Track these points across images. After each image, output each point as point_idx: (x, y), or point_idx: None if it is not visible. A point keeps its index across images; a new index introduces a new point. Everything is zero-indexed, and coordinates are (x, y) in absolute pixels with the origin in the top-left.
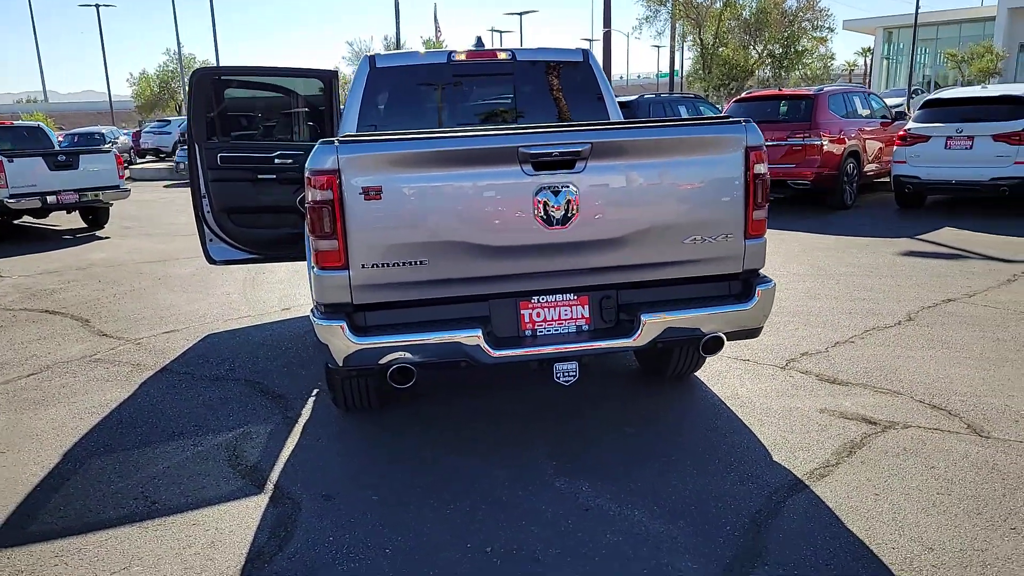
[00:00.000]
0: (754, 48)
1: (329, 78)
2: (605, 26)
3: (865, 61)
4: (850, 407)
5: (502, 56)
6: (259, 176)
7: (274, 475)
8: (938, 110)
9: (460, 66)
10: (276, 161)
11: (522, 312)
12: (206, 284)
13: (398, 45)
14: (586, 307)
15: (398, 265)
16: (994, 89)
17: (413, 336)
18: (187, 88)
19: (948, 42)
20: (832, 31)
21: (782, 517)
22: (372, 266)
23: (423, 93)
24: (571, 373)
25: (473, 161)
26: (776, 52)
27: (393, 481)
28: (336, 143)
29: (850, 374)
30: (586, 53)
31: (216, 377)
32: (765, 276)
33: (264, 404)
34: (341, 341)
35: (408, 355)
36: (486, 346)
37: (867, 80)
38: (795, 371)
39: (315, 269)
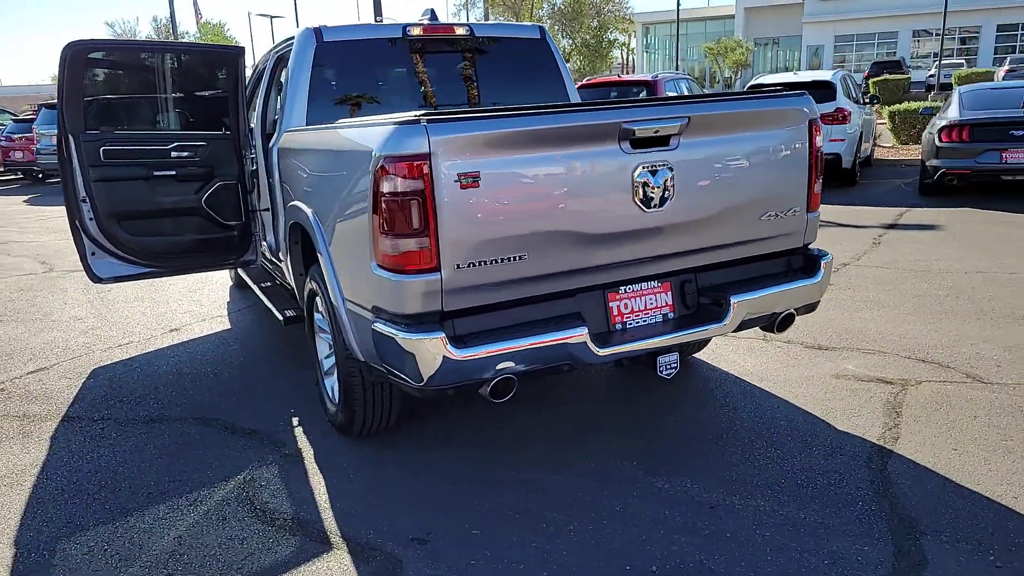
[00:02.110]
0: (569, 38)
1: (236, 55)
2: (377, 14)
3: (622, 53)
4: (855, 370)
5: (460, 31)
6: (154, 173)
7: (329, 525)
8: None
9: (416, 41)
10: (173, 155)
11: (610, 304)
12: (39, 309)
13: (173, 25)
14: (668, 294)
15: (496, 262)
16: (806, 75)
17: (516, 342)
18: (59, 67)
19: (696, 37)
20: (631, 22)
21: (898, 485)
22: (468, 265)
23: (377, 71)
24: (673, 365)
25: (574, 139)
26: (590, 42)
27: (471, 507)
28: (423, 122)
29: (827, 339)
30: (542, 30)
31: (150, 419)
32: (822, 249)
33: (242, 443)
34: (437, 355)
35: (513, 364)
36: (592, 345)
37: (625, 70)
38: (778, 341)
39: (387, 273)
